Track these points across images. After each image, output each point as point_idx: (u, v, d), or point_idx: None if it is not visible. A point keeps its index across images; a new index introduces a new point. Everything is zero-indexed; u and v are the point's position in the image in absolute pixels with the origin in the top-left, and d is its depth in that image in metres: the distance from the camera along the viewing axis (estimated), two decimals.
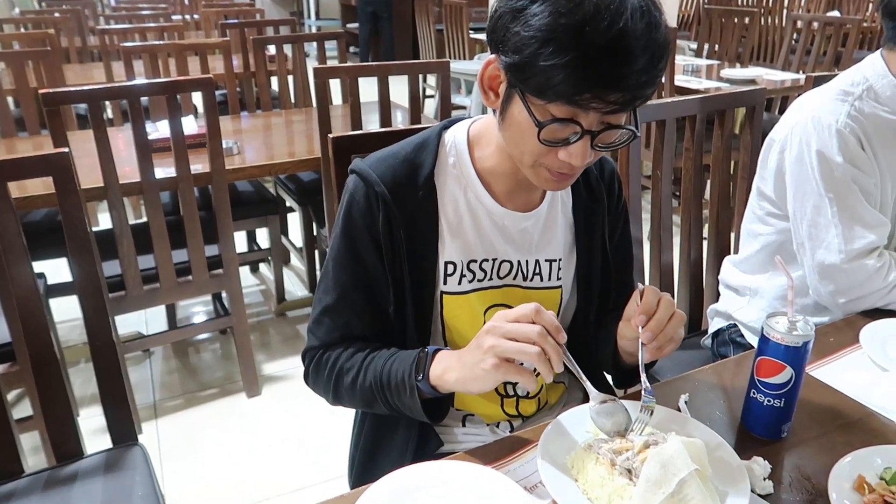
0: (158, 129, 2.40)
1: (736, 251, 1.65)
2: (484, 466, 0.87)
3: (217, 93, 2.48)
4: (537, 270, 1.06)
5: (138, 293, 2.09)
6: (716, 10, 4.84)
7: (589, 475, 0.82)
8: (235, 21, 4.07)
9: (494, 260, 1.03)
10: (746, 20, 4.62)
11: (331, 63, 2.74)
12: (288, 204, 2.98)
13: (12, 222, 1.14)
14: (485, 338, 0.84)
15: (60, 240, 1.18)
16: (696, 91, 3.32)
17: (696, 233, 1.69)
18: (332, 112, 2.33)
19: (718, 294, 1.63)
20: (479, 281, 1.03)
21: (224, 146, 2.12)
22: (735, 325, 1.52)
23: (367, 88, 2.27)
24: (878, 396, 1.02)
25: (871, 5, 6.42)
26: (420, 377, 0.92)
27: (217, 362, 2.62)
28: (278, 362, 2.59)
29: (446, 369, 0.90)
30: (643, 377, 0.88)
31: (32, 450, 1.99)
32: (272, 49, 3.48)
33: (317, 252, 2.96)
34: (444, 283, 1.01)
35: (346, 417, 1.20)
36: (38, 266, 2.27)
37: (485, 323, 0.87)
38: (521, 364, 0.85)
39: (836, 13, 5.87)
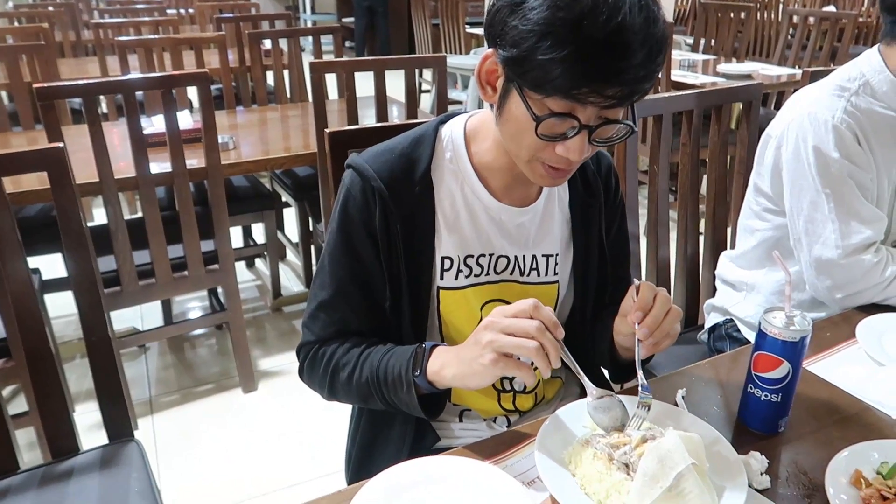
0: (154, 124, 2.39)
1: (732, 246, 1.65)
2: (481, 461, 0.86)
3: (212, 87, 2.46)
4: (534, 265, 1.06)
5: (134, 289, 2.08)
6: (712, 4, 4.84)
7: (586, 470, 0.82)
8: (231, 15, 4.05)
9: (491, 255, 1.03)
10: (742, 15, 4.62)
11: (327, 58, 2.72)
12: (284, 199, 2.97)
13: (7, 217, 1.14)
14: (483, 333, 0.84)
15: (55, 235, 1.17)
16: (693, 86, 3.31)
17: (692, 228, 1.69)
18: (328, 107, 2.33)
19: (715, 289, 1.63)
20: (475, 276, 1.02)
21: (220, 141, 2.11)
22: (731, 320, 1.52)
23: (364, 83, 2.27)
24: (874, 391, 1.02)
25: (866, 0, 6.43)
26: (417, 373, 0.92)
27: (213, 358, 2.61)
28: (274, 358, 2.59)
29: (444, 365, 0.90)
30: (640, 374, 0.88)
31: (28, 446, 1.99)
32: (268, 43, 3.47)
33: (313, 247, 2.96)
34: (441, 278, 1.01)
35: (342, 413, 1.19)
36: (33, 261, 2.26)
37: (481, 318, 0.87)
38: (519, 359, 0.85)
39: (831, 8, 5.87)
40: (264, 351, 2.63)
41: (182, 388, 2.41)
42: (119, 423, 1.31)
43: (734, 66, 3.82)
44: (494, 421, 1.11)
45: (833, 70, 1.37)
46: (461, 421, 1.11)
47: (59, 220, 1.18)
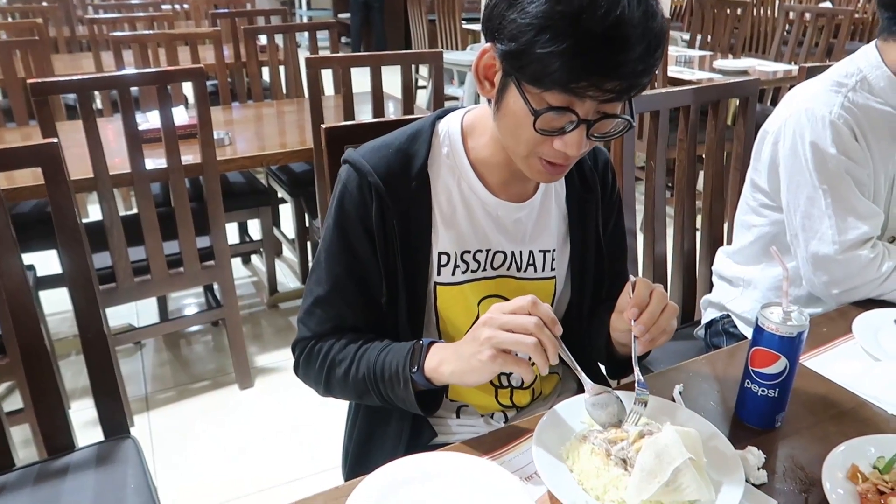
0: (149, 120, 2.38)
1: (729, 242, 1.65)
2: (479, 457, 0.86)
3: (208, 83, 2.46)
4: (531, 261, 1.06)
5: (129, 285, 2.08)
6: (708, 0, 4.84)
7: (584, 465, 0.82)
8: (226, 11, 4.03)
9: (488, 251, 1.02)
10: (739, 11, 4.62)
11: (322, 53, 2.71)
12: (280, 195, 2.96)
13: (1, 213, 1.13)
14: (481, 329, 0.84)
15: (50, 231, 1.17)
16: (689, 82, 3.31)
17: (689, 224, 1.70)
18: (325, 102, 2.32)
19: (711, 285, 1.63)
20: (472, 272, 1.02)
21: (215, 137, 2.11)
22: (728, 316, 1.52)
23: (360, 79, 2.26)
24: (870, 386, 1.02)
25: None
26: (415, 369, 0.91)
27: (209, 354, 2.61)
28: (271, 354, 2.58)
29: (442, 361, 0.90)
30: (636, 370, 0.88)
31: (23, 443, 1.98)
32: (263, 39, 3.46)
33: (309, 243, 2.95)
34: (438, 273, 1.01)
35: (339, 409, 1.19)
36: (28, 258, 2.25)
37: (478, 314, 0.87)
38: (517, 355, 0.85)
39: (828, 4, 5.88)
40: (260, 347, 2.63)
41: (178, 384, 2.41)
42: (115, 420, 1.31)
43: (731, 63, 3.82)
44: (492, 417, 1.11)
45: (830, 66, 1.37)
46: (458, 417, 1.10)
47: (53, 216, 1.17)
